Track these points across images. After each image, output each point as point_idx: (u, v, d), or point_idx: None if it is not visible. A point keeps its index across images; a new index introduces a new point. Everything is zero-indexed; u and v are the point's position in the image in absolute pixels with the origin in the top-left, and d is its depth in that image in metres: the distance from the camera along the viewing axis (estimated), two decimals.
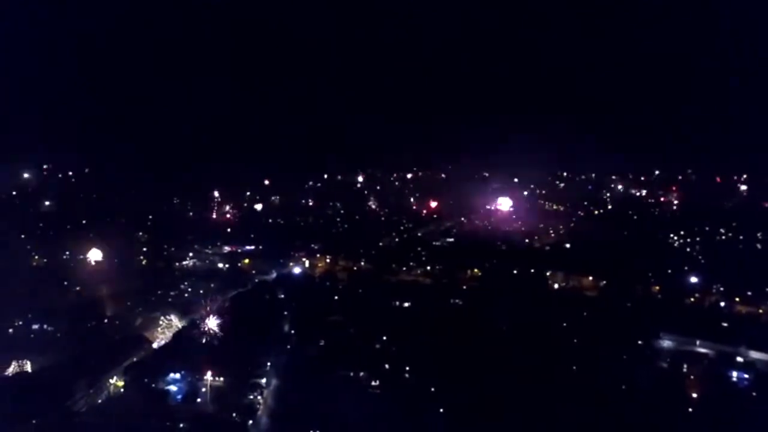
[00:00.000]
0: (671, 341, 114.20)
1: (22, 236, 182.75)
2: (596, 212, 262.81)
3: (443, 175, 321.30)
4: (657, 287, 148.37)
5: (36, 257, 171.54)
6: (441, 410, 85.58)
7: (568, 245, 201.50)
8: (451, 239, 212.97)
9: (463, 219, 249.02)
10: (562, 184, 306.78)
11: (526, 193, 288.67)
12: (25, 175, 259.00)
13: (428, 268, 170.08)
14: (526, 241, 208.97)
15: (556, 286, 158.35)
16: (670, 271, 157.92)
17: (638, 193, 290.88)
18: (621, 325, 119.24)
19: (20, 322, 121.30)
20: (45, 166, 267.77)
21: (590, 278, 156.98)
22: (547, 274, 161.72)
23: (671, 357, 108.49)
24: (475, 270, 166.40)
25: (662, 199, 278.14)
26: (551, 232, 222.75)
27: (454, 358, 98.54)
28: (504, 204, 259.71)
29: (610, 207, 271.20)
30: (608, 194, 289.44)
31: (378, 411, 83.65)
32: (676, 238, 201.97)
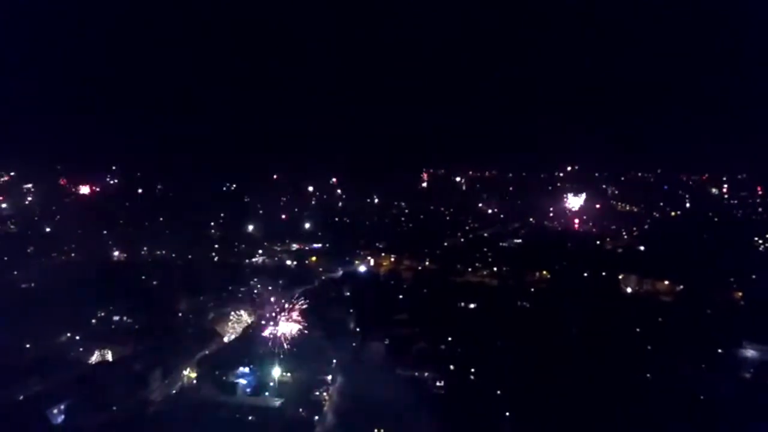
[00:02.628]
0: (755, 350, 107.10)
1: (104, 233, 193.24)
2: (673, 213, 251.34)
3: (510, 175, 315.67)
4: (739, 293, 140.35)
5: (116, 253, 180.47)
6: (507, 414, 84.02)
7: (641, 247, 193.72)
8: (519, 240, 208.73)
9: (531, 219, 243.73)
10: (635, 184, 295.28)
11: (597, 193, 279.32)
12: (107, 177, 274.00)
13: (495, 269, 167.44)
14: (597, 242, 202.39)
15: (629, 290, 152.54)
16: (754, 276, 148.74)
17: (719, 194, 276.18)
18: (700, 332, 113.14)
19: (102, 314, 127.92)
20: (114, 168, 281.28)
21: (666, 282, 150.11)
22: (620, 277, 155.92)
23: (754, 367, 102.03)
24: (544, 272, 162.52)
25: (745, 200, 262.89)
26: (624, 233, 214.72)
27: (521, 362, 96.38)
28: (574, 204, 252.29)
29: (688, 207, 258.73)
30: (686, 194, 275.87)
31: (442, 412, 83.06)
32: (760, 241, 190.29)
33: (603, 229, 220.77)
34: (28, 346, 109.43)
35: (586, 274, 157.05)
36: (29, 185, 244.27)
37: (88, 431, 77.80)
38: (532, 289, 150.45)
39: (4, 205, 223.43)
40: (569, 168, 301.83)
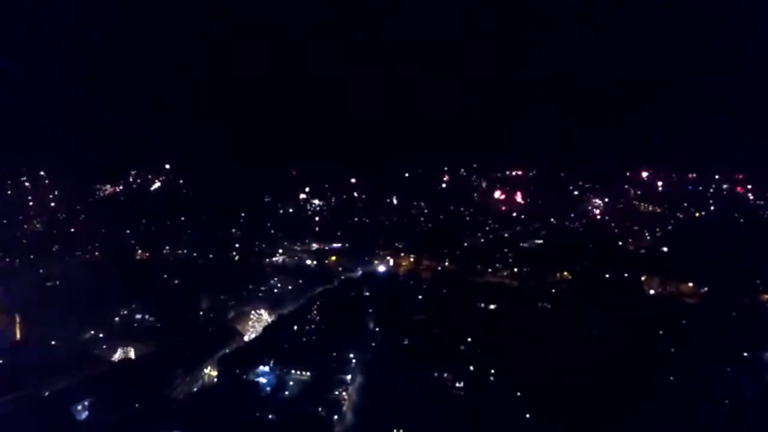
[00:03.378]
0: None
1: (127, 232, 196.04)
2: (697, 214, 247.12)
3: (531, 174, 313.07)
4: (765, 295, 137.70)
5: (138, 251, 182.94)
6: (527, 416, 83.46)
7: (665, 248, 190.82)
8: (540, 240, 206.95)
9: (552, 220, 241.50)
10: (659, 183, 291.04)
11: (619, 193, 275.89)
12: (129, 177, 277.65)
13: (515, 269, 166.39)
14: (620, 243, 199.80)
15: (652, 291, 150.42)
16: None
17: (744, 194, 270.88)
18: (725, 335, 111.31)
19: (125, 312, 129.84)
20: (134, 173, 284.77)
21: (690, 284, 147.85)
22: (642, 278, 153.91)
23: None
24: (565, 273, 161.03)
25: None
26: (646, 234, 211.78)
27: (542, 364, 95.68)
28: (595, 204, 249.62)
29: (713, 208, 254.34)
30: (711, 194, 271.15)
31: (462, 413, 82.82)
32: None
33: (625, 229, 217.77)
34: (53, 343, 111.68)
35: (607, 275, 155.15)
36: (54, 184, 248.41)
37: (112, 428, 78.82)
38: (553, 290, 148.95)
39: (30, 204, 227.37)
40: (591, 167, 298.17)
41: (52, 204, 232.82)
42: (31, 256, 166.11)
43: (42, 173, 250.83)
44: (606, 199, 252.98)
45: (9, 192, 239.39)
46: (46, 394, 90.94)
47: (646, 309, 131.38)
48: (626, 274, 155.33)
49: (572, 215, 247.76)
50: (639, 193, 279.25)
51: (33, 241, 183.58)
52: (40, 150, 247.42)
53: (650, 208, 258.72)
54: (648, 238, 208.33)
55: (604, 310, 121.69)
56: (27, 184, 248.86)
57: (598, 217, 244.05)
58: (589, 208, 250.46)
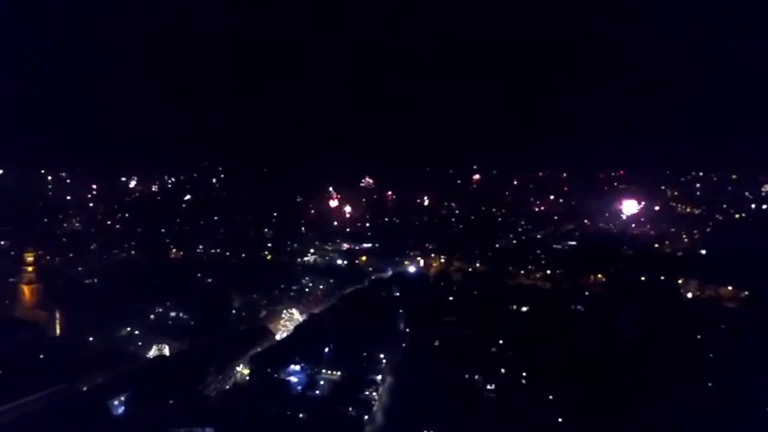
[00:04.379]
0: None
1: (162, 231, 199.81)
2: (737, 215, 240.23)
3: (564, 175, 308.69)
4: None
5: (174, 251, 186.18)
6: (559, 419, 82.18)
7: (703, 251, 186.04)
8: (573, 242, 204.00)
9: (585, 221, 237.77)
10: (697, 185, 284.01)
11: (655, 194, 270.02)
12: (165, 177, 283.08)
13: (548, 271, 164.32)
14: (656, 245, 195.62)
15: (689, 295, 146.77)
16: None
17: None
18: (766, 339, 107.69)
19: (160, 310, 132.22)
20: (171, 169, 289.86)
21: (730, 288, 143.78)
22: (680, 281, 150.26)
23: None
24: (599, 275, 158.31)
25: None
26: (684, 236, 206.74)
27: (575, 367, 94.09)
28: (631, 206, 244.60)
29: (753, 209, 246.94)
30: (751, 195, 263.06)
31: (492, 416, 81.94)
32: None
33: (662, 231, 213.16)
34: (91, 339, 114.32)
35: (643, 278, 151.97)
36: (93, 184, 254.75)
37: (147, 423, 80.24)
38: (587, 293, 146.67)
39: (69, 204, 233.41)
40: (627, 168, 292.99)
41: (91, 204, 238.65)
42: (71, 254, 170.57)
43: (81, 174, 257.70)
44: (642, 201, 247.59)
45: (50, 192, 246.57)
46: (84, 388, 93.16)
47: (684, 313, 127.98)
48: (662, 277, 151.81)
49: (606, 216, 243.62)
50: (676, 194, 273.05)
51: (72, 239, 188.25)
52: (79, 152, 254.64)
53: (688, 210, 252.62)
54: (685, 240, 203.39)
55: (639, 313, 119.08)
56: (68, 181, 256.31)
57: (633, 218, 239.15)
58: (624, 209, 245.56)
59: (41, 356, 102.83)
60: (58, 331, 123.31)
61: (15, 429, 75.85)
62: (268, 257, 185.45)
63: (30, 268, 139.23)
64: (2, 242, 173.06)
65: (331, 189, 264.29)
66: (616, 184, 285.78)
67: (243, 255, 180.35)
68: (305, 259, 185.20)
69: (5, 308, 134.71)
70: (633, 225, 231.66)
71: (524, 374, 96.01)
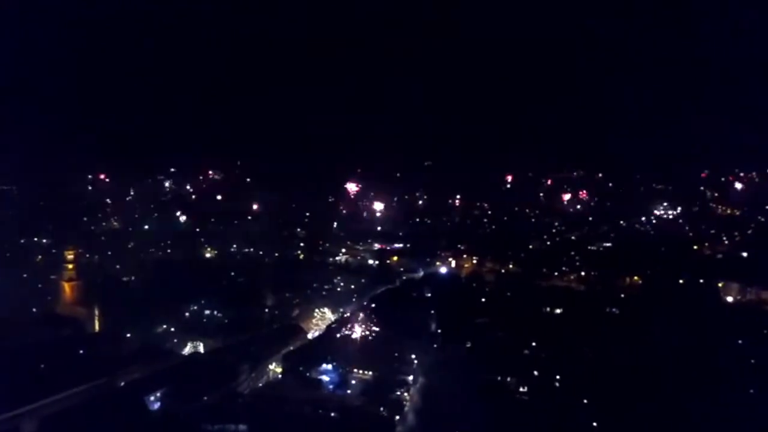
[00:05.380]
0: None
1: (197, 230, 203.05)
2: None
3: (600, 175, 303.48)
4: None
5: (207, 249, 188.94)
6: (594, 424, 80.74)
7: (744, 253, 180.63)
8: (608, 243, 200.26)
9: (621, 222, 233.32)
10: (739, 185, 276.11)
11: (694, 194, 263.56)
12: (200, 177, 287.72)
13: (582, 273, 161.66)
14: (694, 247, 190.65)
15: (729, 299, 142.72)
16: None
17: None
18: None
19: (194, 308, 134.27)
20: (206, 169, 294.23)
21: None
22: (719, 285, 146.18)
23: None
24: (635, 277, 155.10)
25: None
26: (724, 238, 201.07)
27: (610, 372, 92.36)
28: (669, 207, 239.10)
29: None
30: None
31: (525, 419, 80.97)
32: None
33: (701, 233, 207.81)
34: (128, 335, 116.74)
35: (681, 281, 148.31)
36: (130, 185, 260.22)
37: (182, 419, 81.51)
38: (622, 296, 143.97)
39: (108, 202, 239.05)
40: (664, 168, 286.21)
41: (128, 203, 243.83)
42: (109, 253, 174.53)
43: (119, 174, 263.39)
44: (680, 201, 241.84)
45: (90, 191, 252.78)
46: (122, 384, 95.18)
47: (724, 318, 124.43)
48: (701, 280, 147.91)
49: (643, 217, 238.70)
50: (716, 194, 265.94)
51: (110, 238, 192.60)
52: (117, 151, 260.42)
53: (728, 211, 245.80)
54: (726, 242, 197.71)
55: (677, 317, 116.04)
56: (106, 182, 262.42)
57: (671, 219, 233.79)
58: (662, 210, 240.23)
59: (81, 351, 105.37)
60: (96, 327, 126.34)
61: (55, 422, 77.82)
62: (301, 256, 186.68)
63: (70, 266, 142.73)
64: (44, 240, 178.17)
65: (362, 188, 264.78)
66: (653, 184, 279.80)
67: (275, 254, 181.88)
68: (337, 258, 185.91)
69: (47, 304, 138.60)
70: (670, 226, 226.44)
71: (558, 377, 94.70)
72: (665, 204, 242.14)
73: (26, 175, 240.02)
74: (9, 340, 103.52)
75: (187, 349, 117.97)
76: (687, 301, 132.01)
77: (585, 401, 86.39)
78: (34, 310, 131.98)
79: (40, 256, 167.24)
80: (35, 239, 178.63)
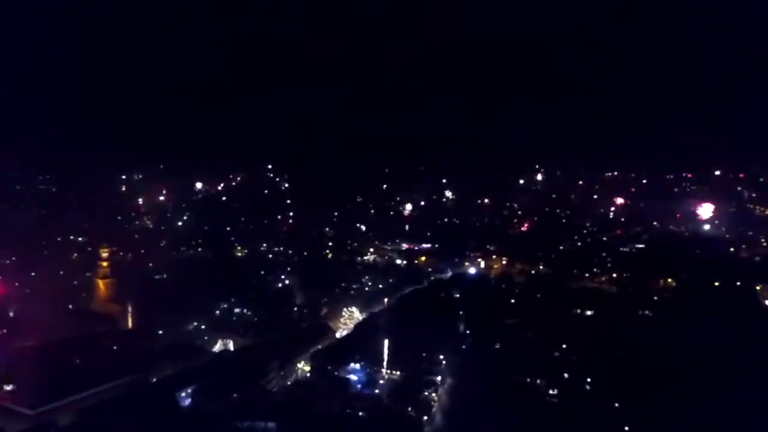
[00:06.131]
0: None
1: (227, 229, 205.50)
2: None
3: (633, 175, 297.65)
4: None
5: (238, 249, 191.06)
6: (625, 428, 79.25)
7: None
8: (641, 245, 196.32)
9: (654, 223, 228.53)
10: None
11: (731, 195, 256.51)
12: (230, 177, 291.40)
13: (614, 275, 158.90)
14: (731, 249, 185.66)
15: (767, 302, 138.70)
16: None
17: None
18: None
19: (225, 306, 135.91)
20: (236, 170, 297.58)
21: None
22: (757, 288, 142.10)
23: None
24: (669, 280, 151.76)
25: None
26: (762, 240, 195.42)
27: (641, 375, 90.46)
28: (704, 208, 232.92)
29: None
30: None
31: (554, 421, 79.86)
32: None
33: (738, 235, 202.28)
34: (160, 332, 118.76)
35: (717, 284, 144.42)
36: (162, 185, 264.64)
37: (212, 415, 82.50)
38: (655, 298, 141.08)
39: (141, 202, 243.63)
40: (699, 168, 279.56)
41: (160, 203, 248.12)
42: (142, 251, 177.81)
43: (152, 175, 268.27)
44: (716, 202, 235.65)
45: (123, 191, 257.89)
46: (154, 380, 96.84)
47: (762, 321, 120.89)
48: (738, 283, 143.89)
49: (677, 219, 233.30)
50: (754, 195, 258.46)
51: (143, 237, 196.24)
52: (150, 152, 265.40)
53: (766, 212, 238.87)
54: (764, 244, 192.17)
55: (712, 321, 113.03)
56: (140, 182, 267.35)
57: (707, 220, 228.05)
58: (696, 211, 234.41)
59: (114, 348, 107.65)
60: (130, 324, 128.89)
61: (90, 416, 79.49)
62: (329, 256, 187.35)
63: (105, 264, 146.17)
64: (80, 238, 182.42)
65: (391, 188, 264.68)
66: (687, 184, 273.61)
67: (305, 253, 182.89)
68: (365, 258, 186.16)
69: (82, 301, 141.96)
70: (706, 227, 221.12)
71: (588, 380, 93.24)
72: (701, 204, 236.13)
73: (62, 175, 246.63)
74: (46, 336, 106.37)
75: (218, 347, 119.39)
76: (723, 304, 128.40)
77: (616, 405, 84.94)
78: (70, 306, 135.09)
79: (75, 254, 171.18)
80: (71, 237, 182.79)
